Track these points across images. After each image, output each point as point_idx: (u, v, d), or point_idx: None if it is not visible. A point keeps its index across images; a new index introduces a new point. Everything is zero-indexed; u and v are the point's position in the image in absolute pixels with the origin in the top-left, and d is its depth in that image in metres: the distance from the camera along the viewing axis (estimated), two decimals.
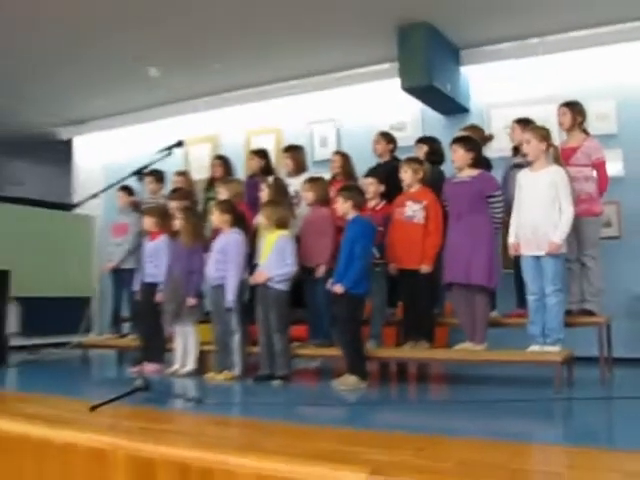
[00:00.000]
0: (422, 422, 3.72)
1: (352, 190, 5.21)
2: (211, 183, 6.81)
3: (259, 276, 5.25)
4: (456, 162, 5.13)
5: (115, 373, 6.92)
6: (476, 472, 2.35)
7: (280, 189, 5.85)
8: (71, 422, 3.57)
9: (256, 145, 7.76)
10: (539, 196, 4.67)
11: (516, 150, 5.45)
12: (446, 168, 5.78)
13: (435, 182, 5.43)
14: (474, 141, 5.23)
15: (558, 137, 5.47)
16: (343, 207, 5.10)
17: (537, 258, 4.67)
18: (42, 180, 11.44)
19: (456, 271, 4.93)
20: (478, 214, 4.94)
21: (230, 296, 5.39)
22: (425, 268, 5.13)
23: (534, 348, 4.67)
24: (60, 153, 10.22)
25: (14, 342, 7.68)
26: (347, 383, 4.84)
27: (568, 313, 4.90)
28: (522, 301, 5.12)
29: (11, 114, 9.08)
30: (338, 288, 4.89)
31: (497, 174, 5.44)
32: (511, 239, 4.81)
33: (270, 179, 6.11)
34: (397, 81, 6.71)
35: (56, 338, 8.33)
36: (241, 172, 7.10)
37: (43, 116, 9.37)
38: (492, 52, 7.01)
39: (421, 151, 5.85)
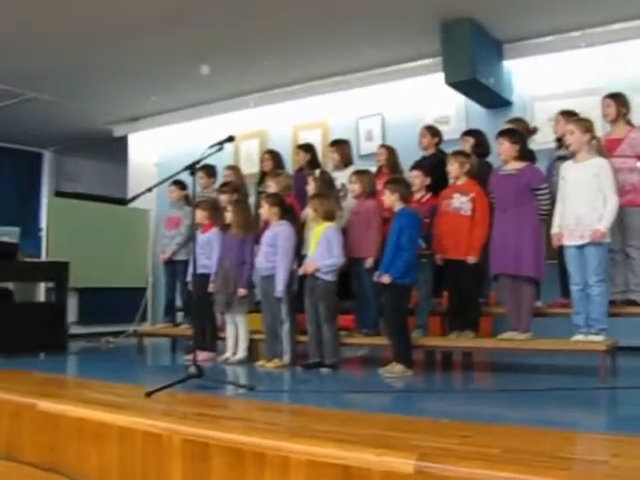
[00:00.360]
0: (467, 410, 3.71)
1: (399, 183, 5.24)
2: (262, 177, 6.85)
3: (308, 267, 5.28)
4: (502, 154, 5.12)
5: (169, 361, 7.00)
6: (522, 459, 2.34)
7: (327, 182, 5.91)
8: (128, 407, 3.64)
9: (303, 139, 7.84)
10: (583, 188, 4.66)
11: (559, 142, 5.42)
12: (491, 160, 5.77)
13: (482, 174, 5.43)
14: (519, 134, 5.22)
15: (601, 129, 5.43)
16: (390, 199, 5.14)
17: (580, 248, 4.65)
18: (98, 176, 11.73)
19: (504, 262, 4.93)
20: (524, 206, 4.94)
21: (280, 286, 5.43)
22: (471, 259, 5.15)
23: (578, 338, 4.64)
24: (115, 150, 10.39)
25: (73, 330, 7.93)
26: (394, 371, 4.86)
27: (612, 303, 4.88)
28: (566, 291, 5.10)
29: (68, 113, 9.27)
30: (385, 278, 4.92)
31: (541, 166, 5.40)
32: (554, 229, 4.82)
33: (317, 172, 6.19)
34: (441, 76, 6.74)
35: (112, 327, 8.59)
36: (290, 166, 7.18)
37: (99, 114, 9.54)
38: (534, 46, 6.97)
39: (467, 144, 5.86)
